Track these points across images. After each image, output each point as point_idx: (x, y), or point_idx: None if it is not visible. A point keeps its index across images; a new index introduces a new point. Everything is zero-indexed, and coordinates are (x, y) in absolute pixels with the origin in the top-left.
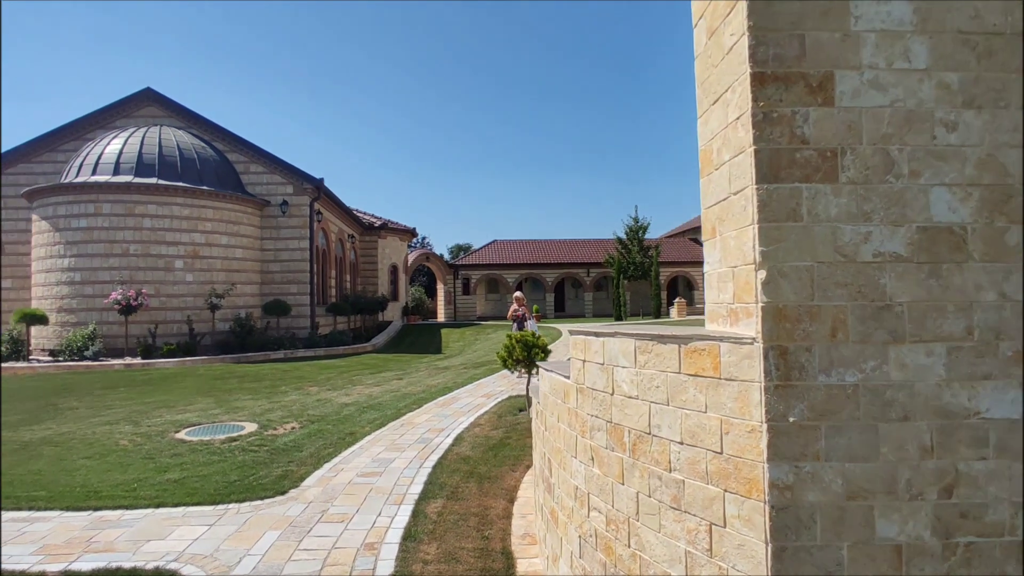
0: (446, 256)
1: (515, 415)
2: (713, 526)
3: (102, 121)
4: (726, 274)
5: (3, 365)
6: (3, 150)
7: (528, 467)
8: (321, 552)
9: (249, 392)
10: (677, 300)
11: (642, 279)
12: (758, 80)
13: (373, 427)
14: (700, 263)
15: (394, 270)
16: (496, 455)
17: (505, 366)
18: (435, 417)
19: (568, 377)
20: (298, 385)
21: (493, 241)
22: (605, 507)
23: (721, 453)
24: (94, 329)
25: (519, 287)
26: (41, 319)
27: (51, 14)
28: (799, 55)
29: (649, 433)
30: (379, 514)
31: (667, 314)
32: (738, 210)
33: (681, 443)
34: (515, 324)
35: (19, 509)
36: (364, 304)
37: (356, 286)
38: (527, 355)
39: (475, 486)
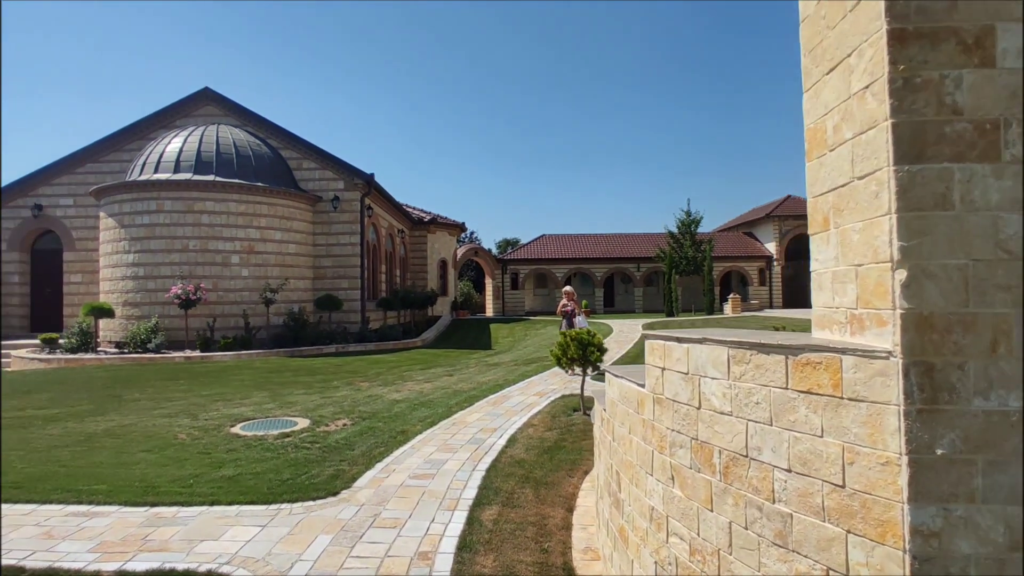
0: (494, 251)
1: (569, 416)
2: (831, 572)
3: (163, 121)
4: (845, 273)
5: (71, 356)
6: (74, 150)
7: (586, 472)
8: (374, 560)
9: (302, 386)
10: (731, 296)
11: (694, 274)
12: (897, 38)
13: (424, 426)
14: (755, 257)
15: (443, 265)
16: (552, 459)
17: (559, 364)
18: (487, 416)
19: (642, 385)
20: (349, 380)
21: (541, 235)
22: (688, 534)
23: (843, 487)
24: (156, 322)
25: (568, 282)
26: (108, 312)
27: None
28: (949, 6)
29: (746, 456)
30: (432, 520)
31: (720, 310)
32: (865, 197)
33: (788, 470)
34: (564, 320)
35: (80, 503)
36: (414, 299)
37: (405, 281)
38: (582, 354)
39: (531, 492)
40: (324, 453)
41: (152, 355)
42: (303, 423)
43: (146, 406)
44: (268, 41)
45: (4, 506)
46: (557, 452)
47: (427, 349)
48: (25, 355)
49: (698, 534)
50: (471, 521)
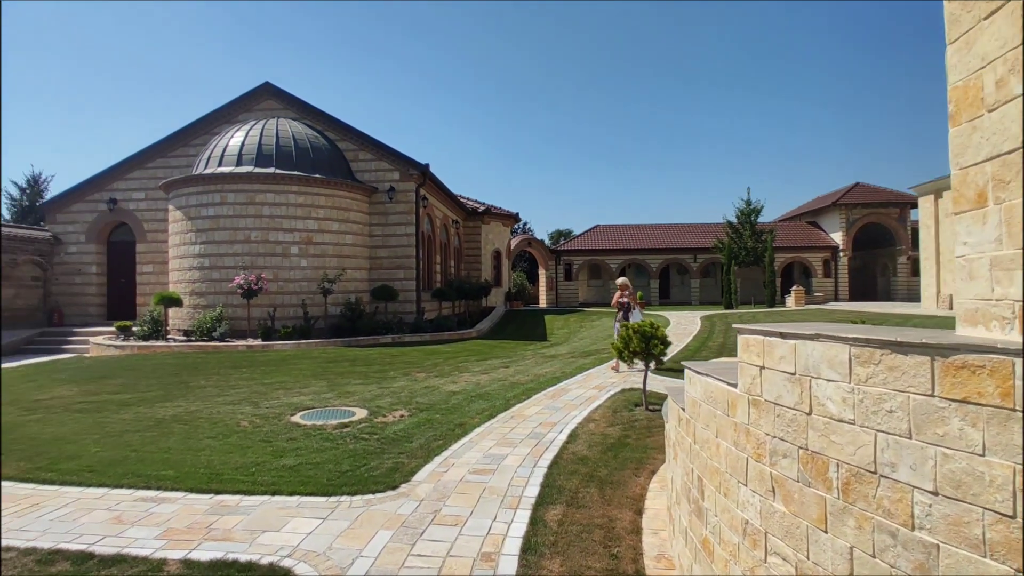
0: (546, 242)
1: (631, 411)
2: None
3: (227, 116)
4: (1009, 259)
5: (143, 343)
6: (151, 143)
7: (653, 472)
8: (435, 560)
9: (359, 376)
10: (794, 288)
11: (754, 265)
12: None
13: (482, 418)
14: (819, 248)
15: (497, 255)
16: (616, 456)
17: (620, 358)
18: (545, 410)
19: (734, 385)
20: (406, 371)
21: (595, 226)
22: (794, 556)
23: (1012, 517)
24: (221, 311)
25: (622, 273)
26: (176, 301)
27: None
28: None
29: (874, 472)
30: (494, 519)
31: (782, 303)
32: None
33: (934, 493)
34: (620, 312)
35: (148, 488)
36: (468, 289)
37: (460, 271)
38: (645, 347)
39: (596, 492)
40: (382, 445)
41: (216, 343)
42: (361, 413)
43: (211, 393)
44: (322, 36)
45: (79, 489)
46: (621, 449)
47: (482, 340)
48: (102, 342)
49: (807, 557)
50: (535, 521)
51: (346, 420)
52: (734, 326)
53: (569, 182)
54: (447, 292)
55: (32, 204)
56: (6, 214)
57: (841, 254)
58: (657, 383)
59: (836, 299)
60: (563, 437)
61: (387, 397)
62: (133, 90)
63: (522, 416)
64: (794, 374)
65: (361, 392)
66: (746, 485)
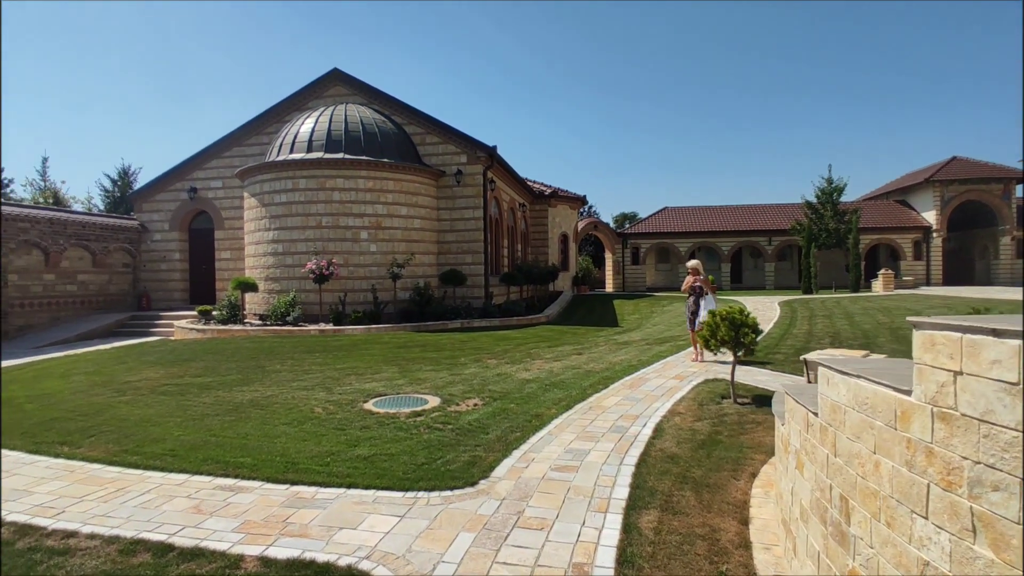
0: (610, 225)
1: (718, 403)
2: None
3: (297, 103)
4: None
5: (222, 327)
6: (227, 132)
7: (753, 474)
8: (523, 569)
9: (430, 362)
10: (882, 272)
11: (835, 248)
12: None
13: (559, 409)
14: (909, 228)
15: (564, 239)
16: (709, 455)
17: (707, 347)
18: (625, 400)
19: (907, 393)
20: (476, 356)
21: (664, 208)
22: None
23: None
24: (294, 296)
25: (692, 256)
26: (252, 287)
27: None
28: None
29: None
30: (583, 523)
31: (867, 287)
32: None
33: None
34: (691, 297)
35: (227, 476)
36: (536, 274)
37: (527, 255)
38: (734, 335)
39: (692, 495)
40: (457, 436)
41: (291, 328)
42: (433, 401)
43: (286, 378)
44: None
45: (161, 475)
46: (714, 448)
47: (551, 325)
48: (185, 325)
49: None
50: (628, 528)
51: (419, 408)
52: (908, 319)
53: (632, 164)
54: (515, 276)
55: (123, 195)
56: (100, 205)
57: (934, 235)
58: (743, 375)
59: (928, 283)
60: (648, 432)
61: (459, 384)
62: (212, 80)
63: (601, 407)
64: (1016, 384)
65: (433, 379)
66: (926, 518)
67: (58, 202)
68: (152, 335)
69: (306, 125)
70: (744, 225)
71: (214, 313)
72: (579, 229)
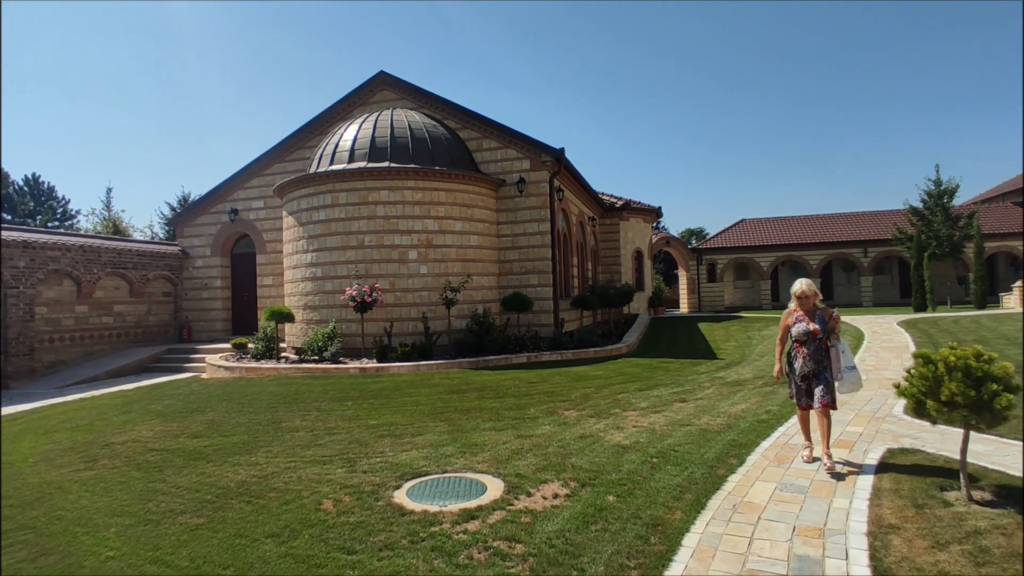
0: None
1: (942, 501)
2: None
3: (341, 112)
4: None
5: (254, 364)
6: (278, 142)
7: None
8: None
9: (489, 415)
10: (1016, 285)
11: (948, 257)
12: None
13: (685, 509)
14: None
15: (638, 256)
16: None
17: (922, 410)
18: (784, 492)
19: None
20: (549, 406)
21: (740, 220)
22: None
23: None
24: (334, 328)
25: (775, 273)
26: (287, 316)
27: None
28: None
29: None
30: None
31: (994, 302)
32: None
33: None
34: (800, 343)
35: None
36: (613, 296)
37: (597, 275)
38: (975, 394)
39: None
40: (533, 574)
41: (327, 365)
42: (493, 488)
43: (302, 440)
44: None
45: None
46: None
47: (635, 358)
48: (216, 362)
49: None
50: None
51: (472, 504)
52: None
53: (699, 178)
54: (589, 299)
55: None
56: (160, 233)
57: None
58: (936, 438)
59: None
60: (866, 573)
61: (530, 455)
62: (257, 90)
63: (751, 507)
64: None
65: (492, 444)
66: None
67: (118, 231)
68: (185, 371)
69: (348, 133)
70: (834, 236)
71: (249, 347)
72: (652, 244)
